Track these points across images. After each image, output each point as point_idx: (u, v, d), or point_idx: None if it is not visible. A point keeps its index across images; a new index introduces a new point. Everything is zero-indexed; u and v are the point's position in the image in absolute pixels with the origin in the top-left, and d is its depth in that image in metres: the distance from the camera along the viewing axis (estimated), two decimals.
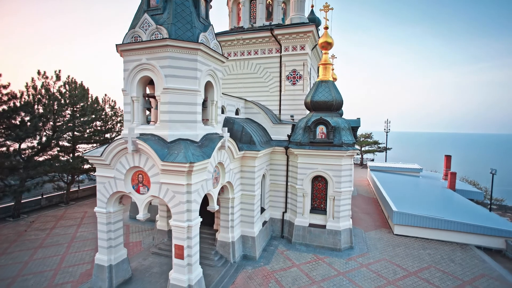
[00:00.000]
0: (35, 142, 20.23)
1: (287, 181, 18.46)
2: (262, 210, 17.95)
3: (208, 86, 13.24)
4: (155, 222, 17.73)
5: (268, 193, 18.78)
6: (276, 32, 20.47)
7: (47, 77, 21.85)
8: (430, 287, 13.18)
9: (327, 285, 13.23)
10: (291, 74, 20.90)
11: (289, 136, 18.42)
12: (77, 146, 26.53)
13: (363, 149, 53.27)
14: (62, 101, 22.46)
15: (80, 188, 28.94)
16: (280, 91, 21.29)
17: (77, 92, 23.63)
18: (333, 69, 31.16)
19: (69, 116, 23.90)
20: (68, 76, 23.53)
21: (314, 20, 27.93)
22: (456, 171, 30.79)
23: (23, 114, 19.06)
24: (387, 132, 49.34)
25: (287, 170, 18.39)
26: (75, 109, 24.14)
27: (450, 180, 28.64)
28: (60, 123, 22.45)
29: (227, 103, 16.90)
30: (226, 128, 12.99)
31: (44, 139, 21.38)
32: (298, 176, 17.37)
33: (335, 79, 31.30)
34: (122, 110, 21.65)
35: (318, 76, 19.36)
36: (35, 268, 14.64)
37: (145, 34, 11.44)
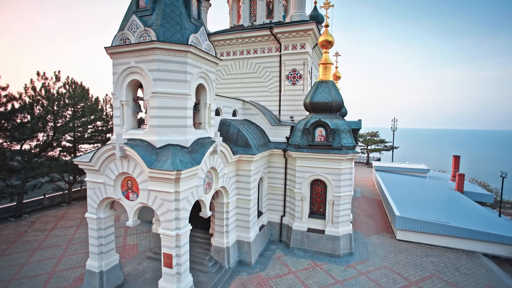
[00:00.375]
0: (33, 144, 20.22)
1: (285, 185, 18.01)
2: (260, 214, 17.57)
3: (201, 88, 12.84)
4: (152, 225, 17.58)
5: (266, 196, 18.37)
6: (275, 30, 19.88)
7: (46, 78, 21.83)
8: None
9: None
10: (291, 74, 20.32)
11: (287, 138, 17.92)
12: (79, 146, 26.64)
13: (369, 147, 52.20)
14: (62, 102, 22.42)
15: (83, 188, 29.12)
16: (280, 91, 20.75)
17: (76, 92, 23.57)
18: (336, 67, 30.33)
19: (69, 116, 23.95)
20: (68, 77, 23.50)
21: (316, 17, 27.16)
22: (464, 172, 29.79)
23: (21, 116, 19.06)
24: (393, 131, 48.11)
25: (286, 173, 17.92)
26: (75, 109, 24.15)
27: (458, 182, 27.65)
28: (59, 124, 22.44)
29: (223, 104, 16.48)
30: (219, 132, 12.58)
31: (44, 139, 21.42)
32: (297, 180, 16.89)
33: (338, 77, 30.47)
34: None
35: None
36: (31, 271, 14.65)
37: (133, 36, 11.09)
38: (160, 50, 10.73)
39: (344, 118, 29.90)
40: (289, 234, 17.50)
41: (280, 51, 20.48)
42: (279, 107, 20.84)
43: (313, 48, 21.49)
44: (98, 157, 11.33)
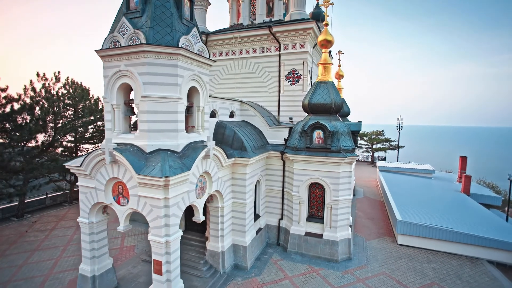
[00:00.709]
0: (33, 144, 20.34)
1: (283, 187, 17.69)
2: (257, 217, 17.32)
3: (194, 91, 12.59)
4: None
5: (264, 199, 18.10)
6: (274, 29, 19.45)
7: (46, 79, 21.90)
8: None
9: None
10: (290, 74, 19.90)
11: (286, 140, 17.56)
12: (81, 146, 26.81)
13: (374, 146, 51.31)
14: (61, 103, 22.48)
15: None
16: (279, 91, 20.37)
17: (76, 93, 23.61)
18: (339, 66, 29.73)
19: (71, 117, 24.06)
20: (67, 77, 23.55)
21: (318, 15, 26.58)
22: (472, 171, 29.03)
23: (20, 117, 19.17)
24: (399, 130, 47.12)
25: (284, 176, 17.60)
26: (76, 110, 24.23)
27: (465, 184, 26.87)
28: (60, 125, 22.54)
29: (219, 106, 16.21)
30: (211, 136, 12.31)
31: (45, 140, 21.56)
32: (294, 183, 16.56)
33: (341, 76, 29.87)
34: None
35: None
36: (28, 273, 14.75)
37: (123, 39, 10.87)
38: (149, 53, 10.50)
39: (347, 117, 29.44)
40: (287, 238, 17.23)
41: (280, 51, 20.06)
42: (278, 108, 20.47)
43: (314, 47, 21.00)
44: (89, 162, 11.22)
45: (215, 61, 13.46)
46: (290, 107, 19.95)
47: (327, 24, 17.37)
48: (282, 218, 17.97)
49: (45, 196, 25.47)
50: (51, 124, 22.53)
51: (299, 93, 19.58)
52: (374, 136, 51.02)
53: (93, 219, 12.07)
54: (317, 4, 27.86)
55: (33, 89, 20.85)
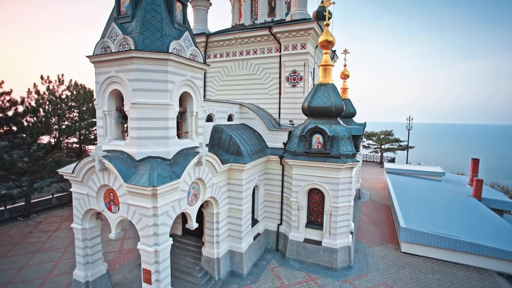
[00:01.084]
0: (35, 147, 20.66)
1: (282, 192, 17.32)
2: (255, 222, 17.04)
3: (187, 96, 12.36)
4: None
5: (263, 204, 17.77)
6: (274, 30, 18.99)
7: (50, 82, 22.20)
8: None
9: None
10: (291, 76, 19.42)
11: (285, 144, 17.16)
12: (86, 147, 27.17)
13: (383, 146, 50.02)
14: (65, 105, 22.75)
15: None
16: (280, 93, 19.93)
17: (79, 95, 23.86)
18: (345, 65, 28.94)
19: (76, 118, 24.37)
20: (71, 80, 23.79)
21: (322, 14, 25.85)
22: (484, 176, 27.84)
23: (24, 120, 19.48)
24: (409, 130, 45.70)
25: (283, 181, 17.22)
26: (80, 111, 24.52)
27: (476, 188, 25.74)
28: (63, 127, 22.84)
29: (216, 110, 15.93)
30: (208, 141, 12.05)
31: (49, 142, 21.90)
32: (293, 188, 16.17)
33: (347, 76, 29.06)
34: None
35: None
36: (28, 275, 14.98)
37: (113, 45, 10.73)
38: (138, 59, 10.31)
39: (352, 118, 28.68)
40: (286, 244, 16.88)
41: (280, 52, 19.60)
42: (279, 110, 20.05)
43: (316, 48, 20.43)
44: (80, 169, 11.18)
45: (209, 65, 13.18)
46: (291, 109, 19.50)
47: (328, 24, 16.79)
48: (281, 224, 17.62)
49: (51, 196, 25.97)
50: (55, 126, 22.89)
51: (300, 95, 19.09)
52: (383, 136, 49.76)
53: (86, 225, 12.06)
54: (322, 1, 27.10)
55: (37, 92, 21.16)
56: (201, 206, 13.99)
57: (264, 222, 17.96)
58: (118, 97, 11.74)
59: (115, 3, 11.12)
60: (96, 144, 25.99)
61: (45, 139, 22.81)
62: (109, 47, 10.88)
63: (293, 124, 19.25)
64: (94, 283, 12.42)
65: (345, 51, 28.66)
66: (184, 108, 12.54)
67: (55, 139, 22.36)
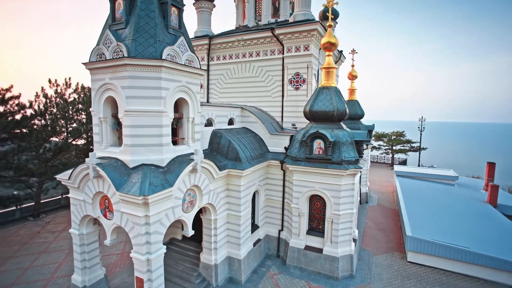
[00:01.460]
0: (41, 150, 21.14)
1: (283, 197, 16.99)
2: (256, 227, 16.80)
3: (183, 102, 12.22)
4: None
5: (264, 209, 17.50)
6: (277, 31, 18.63)
7: (58, 85, 22.66)
8: None
9: None
10: (294, 78, 19.01)
11: (286, 149, 16.80)
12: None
13: (394, 148, 48.59)
14: (72, 108, 23.18)
15: None
16: (283, 96, 19.55)
17: (86, 98, 24.25)
18: (353, 66, 28.15)
19: (84, 120, 24.83)
20: (77, 83, 24.21)
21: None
22: (502, 180, 26.50)
23: (32, 123, 19.94)
24: (421, 131, 44.11)
25: (284, 186, 16.88)
26: (88, 114, 24.94)
27: (491, 194, 24.54)
28: (70, 129, 23.30)
29: (216, 114, 15.75)
30: (199, 149, 11.87)
31: (56, 143, 22.39)
32: (294, 194, 15.80)
33: (355, 76, 28.26)
34: None
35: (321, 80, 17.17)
36: (31, 277, 15.32)
37: (108, 52, 10.69)
38: (131, 66, 10.22)
39: (360, 120, 27.93)
40: (287, 250, 16.54)
41: (283, 54, 19.21)
42: (282, 113, 19.68)
43: (320, 49, 19.88)
44: (76, 175, 11.26)
45: (205, 70, 13.01)
46: (294, 113, 19.10)
47: (330, 26, 16.26)
48: (282, 230, 17.30)
49: (60, 197, 26.61)
50: (63, 129, 23.39)
51: (303, 98, 18.66)
52: (394, 137, 48.32)
53: (83, 231, 12.17)
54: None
55: (45, 96, 21.64)
56: (199, 211, 13.88)
57: (265, 228, 17.69)
58: (114, 103, 11.70)
59: (110, 9, 11.08)
60: None
61: (53, 141, 23.36)
62: (103, 54, 10.86)
63: (296, 128, 18.85)
64: None
65: (353, 51, 27.88)
66: (181, 114, 12.41)
67: (63, 141, 22.82)
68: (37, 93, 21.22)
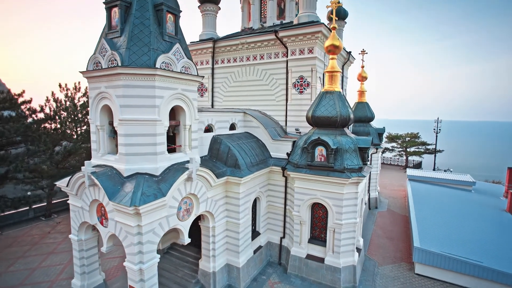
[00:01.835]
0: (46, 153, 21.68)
1: (285, 204, 16.64)
2: (257, 234, 16.56)
3: (179, 109, 12.12)
4: None
5: (266, 216, 17.22)
6: (280, 34, 18.22)
7: (68, 89, 23.25)
8: None
9: None
10: (298, 82, 18.56)
11: (288, 155, 16.43)
12: None
13: (408, 150, 46.87)
14: (81, 111, 23.72)
15: None
16: (287, 100, 19.15)
17: None
18: (362, 67, 27.28)
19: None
20: (87, 87, 24.72)
21: (337, 13, 24.50)
22: None
23: (41, 127, 20.54)
24: (436, 133, 42.21)
25: (285, 192, 16.53)
26: None
27: (511, 202, 23.11)
28: (79, 132, 23.88)
29: (216, 120, 15.58)
30: (195, 158, 11.72)
31: (65, 147, 23.01)
32: (295, 202, 15.43)
33: (365, 78, 27.39)
34: None
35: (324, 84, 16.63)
36: (38, 278, 15.76)
37: (103, 60, 10.72)
38: (124, 75, 10.20)
39: (370, 123, 27.06)
40: (288, 258, 16.20)
41: (287, 56, 18.79)
42: (286, 118, 19.28)
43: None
44: (74, 183, 11.41)
45: (203, 77, 12.80)
46: (298, 117, 18.64)
47: (334, 28, 15.70)
48: (284, 237, 16.96)
49: None
50: (73, 132, 24.00)
51: (307, 102, 18.18)
52: (409, 138, 46.58)
53: (82, 237, 12.35)
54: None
55: (55, 100, 22.25)
56: (198, 218, 13.79)
57: (267, 234, 17.42)
58: (110, 111, 11.71)
59: (106, 17, 11.11)
60: None
61: (64, 144, 24.02)
62: (100, 63, 10.91)
63: (300, 133, 18.41)
64: None
65: (363, 52, 27.01)
66: (177, 121, 12.32)
67: (73, 144, 23.41)
68: (47, 97, 21.87)
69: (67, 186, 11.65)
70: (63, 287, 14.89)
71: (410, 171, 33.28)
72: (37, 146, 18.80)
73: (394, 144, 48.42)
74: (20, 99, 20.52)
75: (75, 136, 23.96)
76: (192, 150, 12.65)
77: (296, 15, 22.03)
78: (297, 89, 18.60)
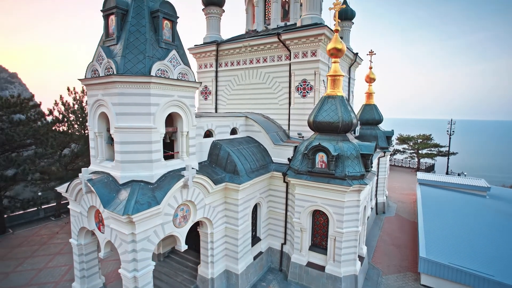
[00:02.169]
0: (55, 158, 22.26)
1: (286, 210, 16.39)
2: (257, 240, 16.40)
3: (176, 116, 12.08)
4: None
5: (267, 221, 17.02)
6: (283, 37, 17.94)
7: (76, 93, 23.76)
8: None
9: None
10: (301, 85, 18.23)
11: (289, 160, 16.16)
12: None
13: (420, 152, 45.45)
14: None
15: None
16: (290, 104, 18.85)
17: None
18: (370, 68, 26.58)
19: None
20: None
21: (345, 13, 24.00)
22: None
23: (50, 130, 21.09)
24: (450, 135, 40.64)
25: (287, 198, 16.27)
26: None
27: None
28: (87, 134, 24.36)
29: (216, 125, 15.48)
30: (190, 165, 11.65)
31: (72, 150, 23.56)
32: (296, 209, 15.16)
33: (373, 79, 26.67)
34: None
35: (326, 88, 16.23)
36: (43, 278, 16.18)
37: (100, 68, 10.81)
38: (120, 83, 10.22)
39: (378, 125, 26.36)
40: (289, 265, 15.96)
41: (290, 59, 18.48)
42: (289, 122, 18.99)
43: None
44: (72, 189, 11.57)
45: (200, 83, 12.71)
46: (300, 121, 18.32)
47: (337, 30, 15.29)
48: (285, 243, 16.72)
49: None
50: (81, 134, 24.52)
51: (309, 106, 17.82)
52: (421, 140, 45.16)
53: (81, 241, 12.53)
54: (345, 0, 25.11)
55: (63, 104, 22.79)
56: (197, 224, 13.76)
57: (268, 240, 17.22)
58: (108, 118, 11.81)
59: (103, 25, 11.19)
60: None
61: (73, 146, 24.59)
62: (97, 70, 11.00)
63: (302, 137, 18.10)
64: None
65: (371, 52, 26.30)
66: (175, 128, 12.29)
67: (80, 147, 23.93)
68: (55, 101, 22.42)
69: (66, 191, 11.83)
70: None
71: (421, 175, 32.22)
72: (45, 149, 19.31)
73: (405, 146, 47.09)
74: (30, 103, 21.11)
75: (82, 139, 24.49)
76: (189, 157, 12.60)
77: (301, 16, 21.68)
78: (300, 92, 18.28)
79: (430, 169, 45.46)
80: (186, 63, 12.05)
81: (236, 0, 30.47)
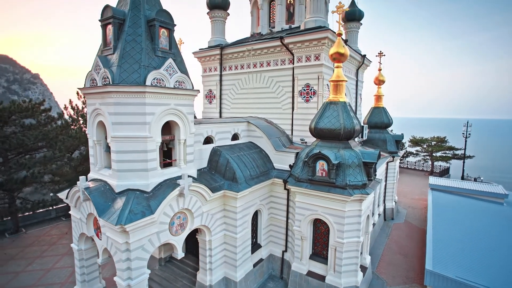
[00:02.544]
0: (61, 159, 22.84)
1: (287, 217, 16.15)
2: (258, 247, 16.26)
3: (174, 124, 12.09)
4: None
5: (268, 228, 16.83)
6: (286, 40, 17.64)
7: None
8: None
9: None
10: (304, 90, 17.89)
11: (291, 167, 15.89)
12: None
13: (434, 155, 43.84)
14: None
15: None
16: (293, 108, 18.55)
17: None
18: (380, 70, 25.80)
19: None
20: None
21: (353, 14, 23.40)
22: None
23: (60, 133, 21.71)
24: (466, 138, 38.87)
25: (288, 205, 16.03)
26: None
27: None
28: None
29: (216, 131, 15.42)
30: (186, 173, 11.62)
31: (80, 153, 24.18)
32: (296, 217, 14.89)
33: (382, 81, 25.88)
34: None
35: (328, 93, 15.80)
36: (50, 279, 16.69)
37: (98, 77, 10.94)
38: (115, 93, 10.31)
39: (387, 129, 25.60)
40: (289, 273, 15.72)
41: (293, 63, 18.17)
42: (292, 127, 18.69)
43: None
44: (72, 196, 11.80)
45: (198, 90, 12.63)
46: (304, 126, 17.94)
47: (340, 34, 14.85)
48: (286, 251, 16.48)
49: None
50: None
51: (313, 111, 17.41)
52: (435, 143, 43.54)
53: (82, 246, 12.78)
54: (353, 1, 24.45)
55: (73, 108, 23.41)
56: (196, 231, 13.77)
57: (269, 247, 17.04)
58: (105, 127, 12.02)
59: (102, 35, 11.31)
60: None
61: (83, 149, 25.24)
62: (95, 80, 11.15)
63: (305, 143, 17.76)
64: None
65: (380, 54, 25.53)
66: (172, 136, 12.31)
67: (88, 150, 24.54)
68: (65, 105, 23.05)
69: (66, 198, 12.08)
70: None
71: (433, 179, 30.98)
72: (53, 152, 19.91)
73: (418, 148, 45.58)
74: (41, 107, 21.80)
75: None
76: (187, 164, 12.59)
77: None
78: (303, 97, 17.94)
79: (445, 172, 43.77)
80: (184, 71, 12.02)
81: (242, 3, 30.34)
